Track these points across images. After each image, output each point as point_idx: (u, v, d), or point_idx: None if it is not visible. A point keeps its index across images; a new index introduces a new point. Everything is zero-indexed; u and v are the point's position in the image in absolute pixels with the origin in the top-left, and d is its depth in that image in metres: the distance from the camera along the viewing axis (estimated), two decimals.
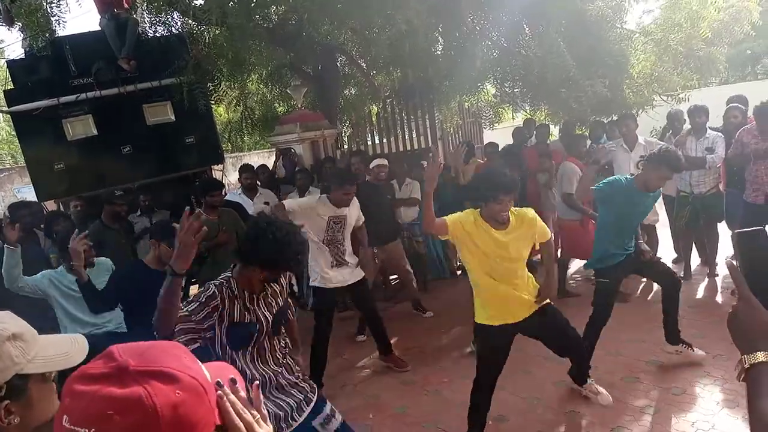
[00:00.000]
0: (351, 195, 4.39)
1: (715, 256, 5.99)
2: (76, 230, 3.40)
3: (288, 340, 2.78)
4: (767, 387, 0.98)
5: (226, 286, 2.38)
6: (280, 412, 2.44)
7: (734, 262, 1.09)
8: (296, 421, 2.47)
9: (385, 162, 5.95)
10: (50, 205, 6.80)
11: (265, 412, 0.92)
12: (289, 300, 2.70)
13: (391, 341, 4.96)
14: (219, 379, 0.85)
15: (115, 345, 0.82)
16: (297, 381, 2.57)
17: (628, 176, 4.03)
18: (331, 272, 4.47)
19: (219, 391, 0.84)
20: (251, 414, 0.88)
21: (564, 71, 5.85)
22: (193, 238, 2.00)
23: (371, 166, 5.91)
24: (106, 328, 4.00)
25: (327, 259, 4.45)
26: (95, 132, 6.34)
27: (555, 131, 8.76)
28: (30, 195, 7.65)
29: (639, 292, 5.84)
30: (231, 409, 0.84)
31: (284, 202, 4.55)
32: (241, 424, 0.84)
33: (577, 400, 3.85)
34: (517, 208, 3.25)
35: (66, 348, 1.21)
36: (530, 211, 3.30)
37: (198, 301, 2.30)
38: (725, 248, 6.05)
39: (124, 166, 6.41)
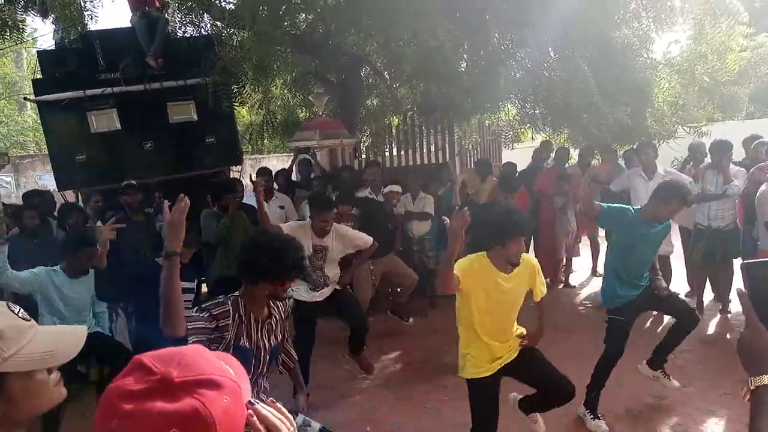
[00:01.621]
0: (328, 222, 4.26)
1: (728, 293, 5.89)
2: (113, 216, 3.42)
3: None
4: None
5: (238, 305, 2.38)
6: None
7: (744, 291, 1.16)
8: None
9: (399, 189, 6.00)
10: (69, 195, 6.91)
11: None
12: (286, 339, 2.68)
13: (394, 354, 4.94)
14: (250, 399, 0.86)
15: (143, 355, 0.80)
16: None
17: (635, 207, 3.94)
18: (307, 295, 4.39)
19: (250, 410, 0.85)
20: (286, 425, 0.88)
21: (587, 96, 5.84)
22: (181, 216, 2.09)
23: (384, 191, 5.94)
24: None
25: (305, 285, 4.37)
26: (119, 126, 6.43)
27: (574, 154, 8.73)
28: (51, 183, 7.77)
29: (648, 323, 5.76)
30: (263, 430, 0.85)
31: (281, 225, 4.44)
32: None
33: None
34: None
35: (56, 345, 1.18)
36: (533, 259, 3.23)
37: (209, 312, 2.30)
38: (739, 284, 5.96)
39: (145, 161, 6.49)
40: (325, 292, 4.45)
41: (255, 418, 0.85)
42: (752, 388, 1.10)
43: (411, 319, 6.00)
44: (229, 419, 0.77)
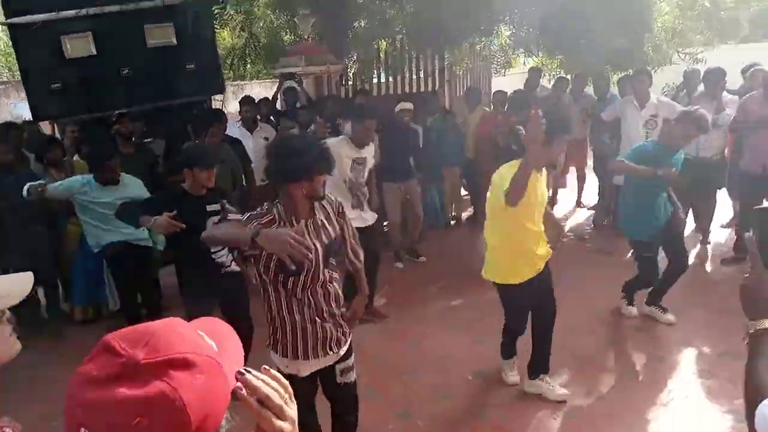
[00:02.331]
0: (372, 131, 4.43)
1: (710, 223, 5.96)
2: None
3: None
4: (765, 351, 1.11)
5: (279, 211, 2.37)
6: (318, 337, 2.44)
7: (753, 236, 1.17)
8: (328, 355, 2.48)
9: (410, 106, 5.89)
10: (45, 126, 6.71)
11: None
12: (345, 236, 2.66)
13: (379, 290, 5.00)
14: (242, 369, 0.80)
15: (112, 335, 0.75)
16: (337, 317, 2.53)
17: (653, 141, 4.13)
18: (353, 213, 4.39)
19: (239, 383, 0.79)
20: (279, 393, 0.83)
21: (585, 21, 5.63)
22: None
23: (396, 109, 5.82)
24: (124, 234, 4.23)
25: (348, 200, 4.40)
26: (94, 51, 6.13)
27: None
28: (27, 112, 7.53)
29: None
30: (254, 402, 0.80)
31: None
32: (269, 414, 0.81)
33: (555, 363, 3.92)
34: None
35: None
36: None
37: (258, 222, 2.28)
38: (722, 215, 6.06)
39: (123, 89, 6.24)
40: (367, 217, 4.57)
41: (244, 390, 0.80)
42: (751, 331, 1.14)
43: (423, 258, 6.12)
44: (203, 400, 0.72)
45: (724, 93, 5.49)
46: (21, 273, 1.30)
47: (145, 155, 5.57)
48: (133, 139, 5.79)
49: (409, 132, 5.89)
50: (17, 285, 1.28)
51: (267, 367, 0.87)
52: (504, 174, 3.04)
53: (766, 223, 1.17)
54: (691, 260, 5.59)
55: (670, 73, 7.37)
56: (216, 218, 3.44)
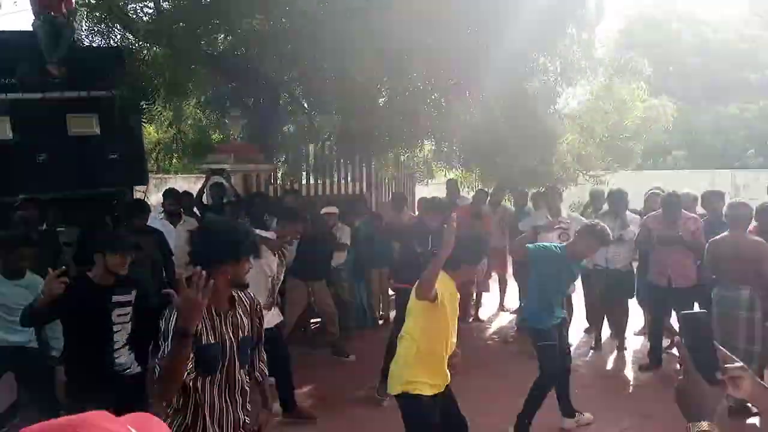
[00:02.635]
0: (299, 232, 4.55)
1: (624, 331, 6.27)
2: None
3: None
4: None
5: None
6: None
7: (681, 340, 1.21)
8: None
9: (336, 210, 6.01)
10: None
11: None
12: (260, 342, 2.54)
13: (307, 388, 4.79)
14: None
15: (30, 428, 0.68)
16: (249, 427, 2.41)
17: (560, 245, 4.28)
18: (266, 313, 4.28)
19: None
20: None
21: (499, 139, 6.11)
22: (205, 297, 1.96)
23: (322, 212, 5.92)
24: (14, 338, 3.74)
25: (263, 298, 4.26)
26: (10, 136, 5.90)
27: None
28: None
29: None
30: None
31: None
32: None
33: None
34: None
35: None
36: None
37: (170, 331, 2.11)
38: (635, 323, 6.40)
39: (39, 174, 5.96)
40: (274, 318, 4.42)
41: None
42: None
43: (352, 356, 5.92)
44: None
45: (627, 212, 6.01)
46: None
47: (51, 242, 5.23)
48: (45, 225, 5.45)
49: (329, 236, 6.00)
50: None
51: None
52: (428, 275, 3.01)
53: (692, 329, 1.21)
54: (609, 366, 5.86)
55: (577, 192, 8.03)
56: (124, 311, 3.26)
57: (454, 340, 3.18)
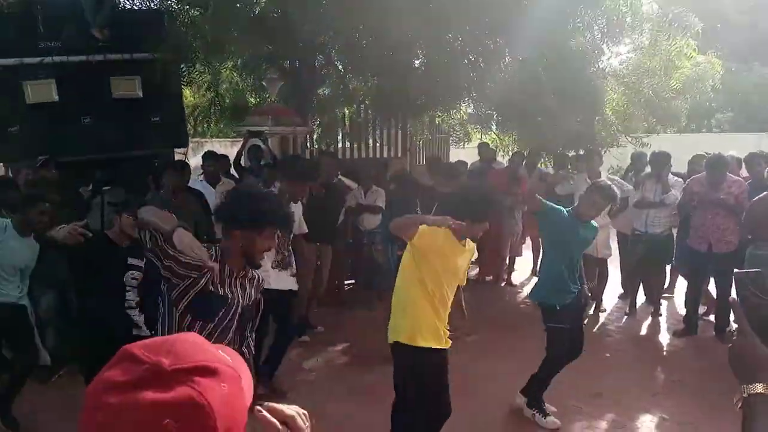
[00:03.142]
0: (305, 193, 4.47)
1: (660, 296, 6.21)
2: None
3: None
4: (761, 415, 1.09)
5: (216, 253, 2.33)
6: None
7: (736, 301, 1.18)
8: None
9: (354, 185, 6.13)
10: None
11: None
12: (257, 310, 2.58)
13: (341, 346, 4.92)
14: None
15: (132, 345, 0.74)
16: None
17: (568, 209, 4.01)
18: (272, 273, 4.25)
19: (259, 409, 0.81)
20: (302, 418, 0.88)
21: (541, 100, 5.98)
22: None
23: (341, 178, 6.01)
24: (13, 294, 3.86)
25: (271, 257, 4.23)
26: (56, 98, 6.06)
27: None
28: None
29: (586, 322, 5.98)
30: (276, 422, 0.84)
31: None
32: None
33: (520, 424, 3.89)
34: None
35: None
36: (473, 246, 3.33)
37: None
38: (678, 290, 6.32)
39: (84, 136, 6.14)
40: (289, 279, 4.40)
41: (264, 412, 0.80)
42: (745, 395, 1.12)
43: (320, 328, 5.83)
44: (228, 408, 0.71)
45: (670, 175, 5.87)
46: None
47: (73, 202, 5.42)
48: (91, 186, 5.66)
49: (340, 202, 5.95)
50: None
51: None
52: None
53: (745, 288, 1.19)
54: (643, 332, 5.82)
55: (615, 156, 7.85)
56: (135, 273, 3.37)
57: (452, 286, 3.17)
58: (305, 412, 0.87)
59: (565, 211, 3.93)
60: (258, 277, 2.55)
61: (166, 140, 6.81)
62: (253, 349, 2.71)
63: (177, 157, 7.14)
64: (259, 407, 0.81)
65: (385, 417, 3.94)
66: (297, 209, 4.50)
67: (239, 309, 2.37)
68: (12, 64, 5.84)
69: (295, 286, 4.50)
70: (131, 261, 3.40)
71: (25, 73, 5.92)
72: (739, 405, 1.13)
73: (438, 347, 3.13)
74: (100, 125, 6.24)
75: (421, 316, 3.11)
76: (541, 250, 4.88)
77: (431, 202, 5.68)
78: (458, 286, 3.31)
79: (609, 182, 3.99)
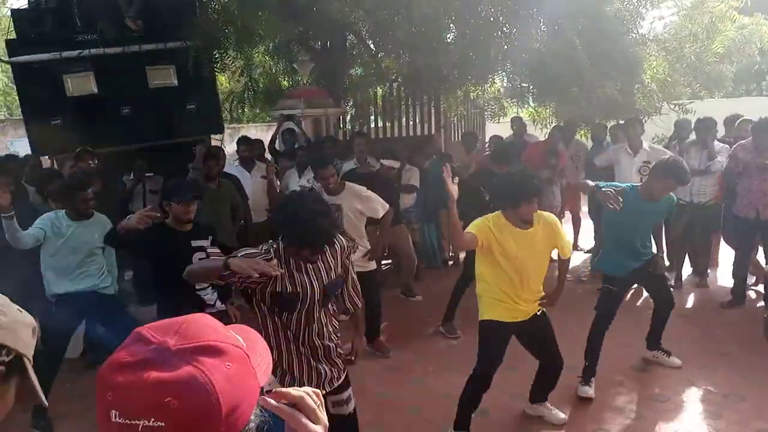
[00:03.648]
0: (327, 179, 4.33)
1: (707, 267, 6.01)
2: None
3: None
4: None
5: (279, 252, 2.39)
6: (312, 377, 2.48)
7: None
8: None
9: (397, 165, 6.04)
10: (44, 161, 6.71)
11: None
12: (351, 280, 2.69)
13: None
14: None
15: (142, 327, 0.76)
16: (333, 357, 2.55)
17: (633, 184, 3.93)
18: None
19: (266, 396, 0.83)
20: (312, 398, 0.88)
21: (577, 70, 5.79)
22: None
23: (384, 164, 5.98)
24: (87, 281, 3.95)
25: None
26: (95, 90, 6.22)
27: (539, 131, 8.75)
28: (23, 148, 7.53)
29: (629, 296, 5.84)
30: (284, 406, 0.85)
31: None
32: (300, 416, 0.85)
33: (559, 399, 3.85)
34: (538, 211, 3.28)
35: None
36: (550, 215, 3.37)
37: (249, 254, 2.32)
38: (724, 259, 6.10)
39: (123, 127, 6.30)
40: (361, 261, 4.43)
41: (271, 400, 0.83)
42: None
43: (419, 297, 6.07)
44: (233, 387, 0.73)
45: (715, 142, 5.64)
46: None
47: (115, 191, 5.56)
48: (132, 175, 5.81)
49: (388, 182, 5.82)
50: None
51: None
52: (476, 224, 3.20)
53: None
54: (689, 304, 5.66)
55: (658, 124, 7.57)
56: (202, 254, 3.43)
57: (530, 281, 3.25)
58: (316, 390, 0.88)
59: (627, 188, 3.76)
60: (340, 245, 2.56)
61: (202, 127, 6.93)
62: (358, 303, 2.78)
63: (213, 143, 7.27)
64: (264, 396, 0.82)
65: (419, 394, 3.99)
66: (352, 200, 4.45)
67: (323, 292, 2.44)
68: (52, 58, 6.01)
69: (368, 269, 4.55)
70: (195, 243, 3.48)
71: (65, 66, 6.08)
72: None
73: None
74: (138, 115, 6.39)
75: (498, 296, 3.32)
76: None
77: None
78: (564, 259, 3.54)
79: (683, 162, 3.82)
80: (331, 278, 2.48)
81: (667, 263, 6.58)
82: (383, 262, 6.87)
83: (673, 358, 4.32)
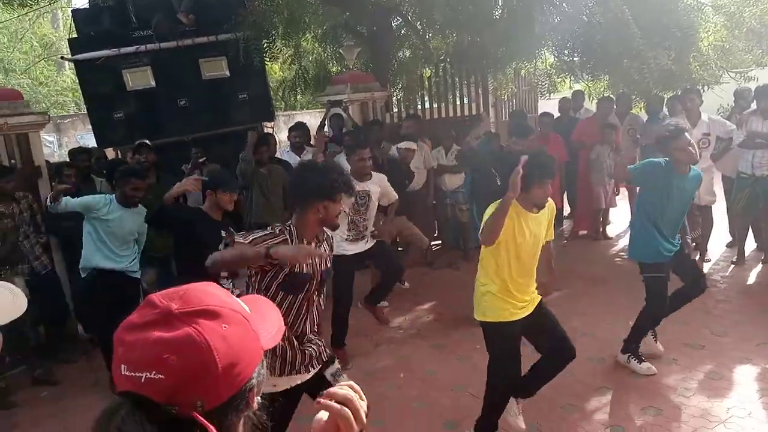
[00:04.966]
0: (365, 160, 4.35)
1: None
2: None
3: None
4: None
5: (287, 231, 2.47)
6: (297, 359, 2.54)
7: None
8: (309, 372, 2.56)
9: (414, 146, 5.89)
10: (109, 153, 7.11)
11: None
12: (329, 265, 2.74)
13: (427, 305, 5.02)
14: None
15: (154, 293, 0.86)
16: (317, 338, 2.66)
17: (667, 159, 3.74)
18: (347, 245, 4.40)
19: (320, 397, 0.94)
20: (359, 395, 0.97)
21: (628, 40, 5.60)
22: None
23: (400, 145, 5.85)
24: (123, 263, 4.26)
25: (344, 233, 4.35)
26: (153, 84, 6.51)
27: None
28: (91, 142, 7.98)
29: None
30: (334, 404, 0.93)
31: None
32: (349, 414, 0.93)
33: (607, 379, 3.82)
34: None
35: None
36: (553, 203, 3.19)
37: (266, 241, 2.38)
38: None
39: (180, 118, 6.58)
40: (362, 246, 4.51)
41: (325, 400, 0.93)
42: None
43: (407, 284, 5.94)
44: (229, 346, 0.81)
45: None
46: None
47: (165, 185, 5.79)
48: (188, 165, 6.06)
49: (405, 169, 5.82)
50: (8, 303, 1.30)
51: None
52: (488, 211, 2.94)
53: None
54: (750, 281, 5.44)
55: (720, 95, 7.22)
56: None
57: (532, 269, 3.11)
58: (359, 391, 0.97)
59: (661, 162, 3.70)
60: (329, 236, 2.70)
61: (254, 116, 7.12)
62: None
63: (265, 131, 7.48)
64: (318, 398, 0.93)
65: (467, 374, 4.04)
66: (373, 183, 4.49)
67: (320, 277, 2.56)
68: (112, 54, 6.34)
69: (373, 243, 4.57)
70: (223, 233, 3.65)
71: (124, 61, 6.40)
72: None
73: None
74: (194, 106, 6.65)
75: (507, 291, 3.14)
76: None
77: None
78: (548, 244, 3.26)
79: (681, 127, 3.73)
80: (327, 267, 2.61)
81: (729, 239, 6.33)
82: (432, 242, 6.91)
83: (659, 344, 4.08)
